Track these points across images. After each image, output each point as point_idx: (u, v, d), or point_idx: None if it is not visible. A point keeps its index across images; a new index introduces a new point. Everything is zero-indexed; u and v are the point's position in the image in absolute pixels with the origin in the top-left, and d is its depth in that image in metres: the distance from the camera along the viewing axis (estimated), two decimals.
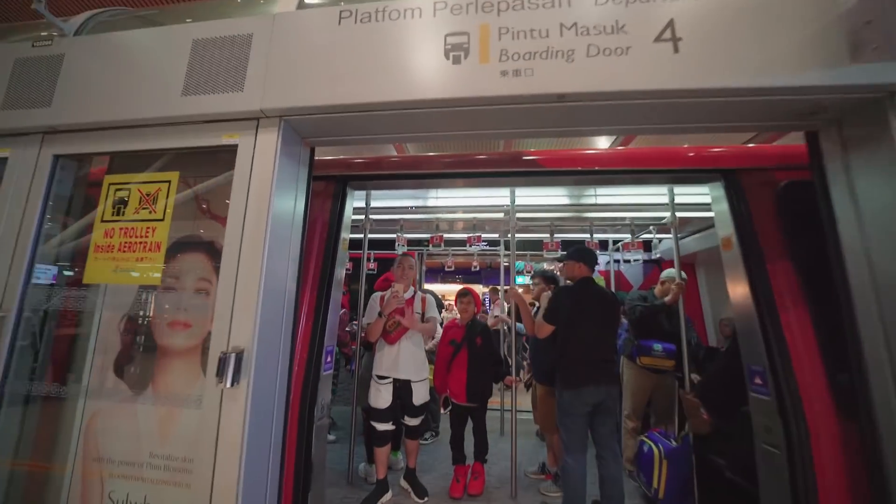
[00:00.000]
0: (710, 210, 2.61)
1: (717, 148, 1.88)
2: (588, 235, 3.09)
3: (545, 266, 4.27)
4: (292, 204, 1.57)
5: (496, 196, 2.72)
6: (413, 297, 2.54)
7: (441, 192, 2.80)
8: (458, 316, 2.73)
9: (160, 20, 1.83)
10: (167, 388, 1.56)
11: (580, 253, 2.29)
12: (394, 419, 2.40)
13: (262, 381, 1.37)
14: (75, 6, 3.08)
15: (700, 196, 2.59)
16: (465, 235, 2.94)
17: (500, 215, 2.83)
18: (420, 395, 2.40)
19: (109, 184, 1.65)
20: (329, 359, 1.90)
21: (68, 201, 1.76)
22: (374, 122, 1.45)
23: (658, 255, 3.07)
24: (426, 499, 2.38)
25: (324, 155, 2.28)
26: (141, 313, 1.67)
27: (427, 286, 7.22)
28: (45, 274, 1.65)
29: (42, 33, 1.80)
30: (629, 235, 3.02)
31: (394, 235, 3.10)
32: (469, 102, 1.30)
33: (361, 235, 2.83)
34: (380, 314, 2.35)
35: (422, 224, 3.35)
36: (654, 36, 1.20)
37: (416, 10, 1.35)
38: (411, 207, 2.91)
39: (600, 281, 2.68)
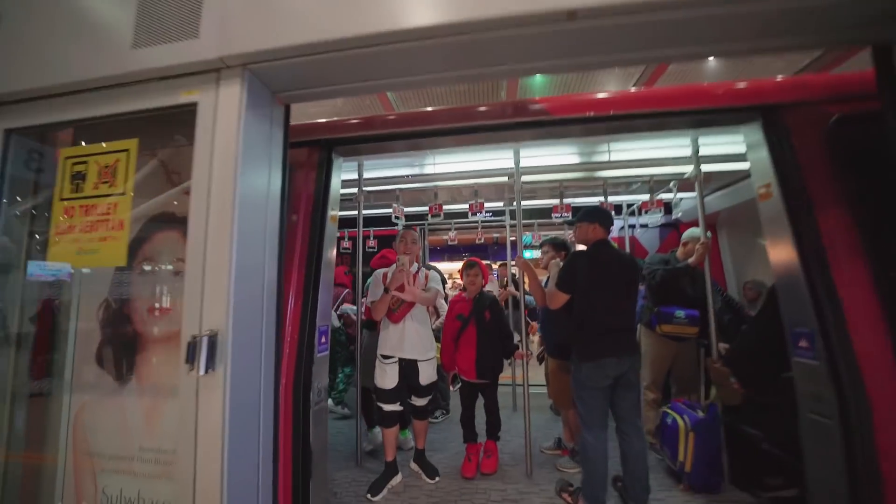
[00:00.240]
0: (738, 161, 2.37)
1: (755, 82, 1.61)
2: (601, 198, 2.84)
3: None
4: (266, 171, 1.38)
5: (499, 159, 2.48)
6: (417, 272, 2.37)
7: (439, 158, 2.58)
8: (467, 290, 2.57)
9: None
10: (151, 378, 1.46)
11: (593, 213, 2.07)
12: (401, 399, 2.29)
13: (243, 365, 1.23)
14: None
15: (726, 146, 2.32)
16: (468, 204, 2.71)
17: (504, 179, 2.60)
18: (427, 375, 2.28)
19: (66, 157, 1.49)
20: (323, 340, 1.76)
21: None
22: (356, 64, 1.23)
23: (679, 215, 2.81)
24: (437, 479, 2.30)
25: (305, 118, 2.07)
26: (118, 299, 1.54)
27: (432, 264, 7.09)
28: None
29: None
30: (646, 196, 2.78)
31: (391, 210, 2.89)
32: (466, 28, 1.07)
33: (356, 212, 2.62)
34: (386, 290, 2.19)
35: (420, 196, 3.14)
36: None
37: None
38: (407, 176, 2.69)
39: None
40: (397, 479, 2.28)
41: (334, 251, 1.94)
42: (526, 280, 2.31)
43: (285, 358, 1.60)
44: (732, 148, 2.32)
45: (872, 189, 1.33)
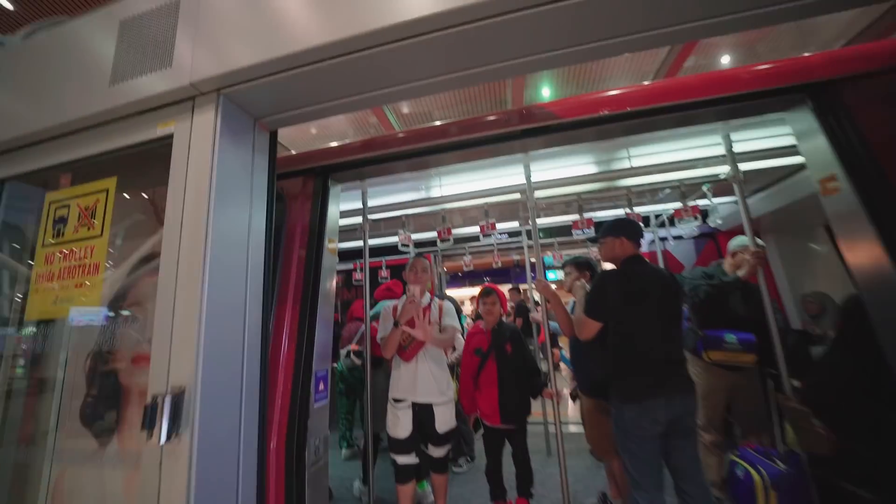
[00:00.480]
0: (778, 157, 2.09)
1: (798, 59, 1.39)
2: (626, 209, 2.58)
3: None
4: (247, 204, 1.25)
5: (510, 175, 2.31)
6: (429, 305, 2.17)
7: (445, 180, 2.43)
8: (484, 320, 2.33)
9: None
10: (133, 439, 1.29)
11: (617, 225, 1.82)
12: (417, 449, 2.02)
13: (217, 428, 1.04)
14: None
15: (762, 140, 2.05)
16: (479, 225, 2.51)
17: (517, 196, 2.40)
18: (444, 420, 2.01)
19: (50, 202, 1.44)
20: (322, 386, 1.56)
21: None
22: (341, 74, 1.10)
23: (718, 223, 2.50)
24: None
25: (297, 146, 1.98)
26: (104, 349, 1.42)
27: (449, 292, 6.80)
28: None
29: None
30: (676, 204, 2.50)
31: (399, 237, 2.74)
32: (466, 14, 0.93)
33: (361, 242, 2.48)
34: (396, 324, 1.99)
35: (430, 221, 2.98)
36: None
37: None
38: (413, 201, 2.55)
39: None
40: None
41: (333, 283, 1.77)
42: (548, 305, 2.05)
43: (276, 412, 1.40)
44: (770, 142, 2.05)
45: None
